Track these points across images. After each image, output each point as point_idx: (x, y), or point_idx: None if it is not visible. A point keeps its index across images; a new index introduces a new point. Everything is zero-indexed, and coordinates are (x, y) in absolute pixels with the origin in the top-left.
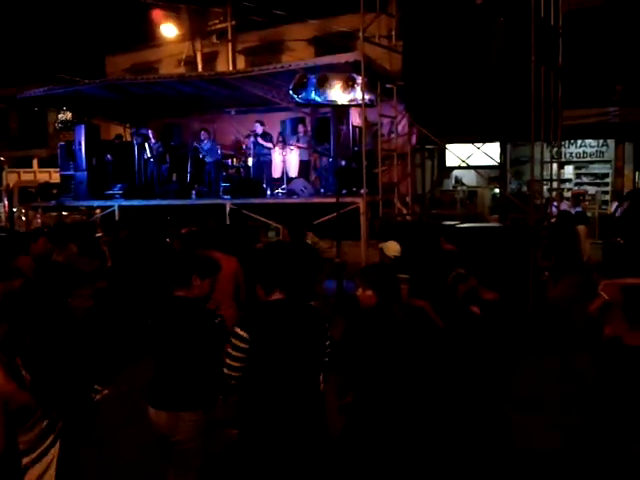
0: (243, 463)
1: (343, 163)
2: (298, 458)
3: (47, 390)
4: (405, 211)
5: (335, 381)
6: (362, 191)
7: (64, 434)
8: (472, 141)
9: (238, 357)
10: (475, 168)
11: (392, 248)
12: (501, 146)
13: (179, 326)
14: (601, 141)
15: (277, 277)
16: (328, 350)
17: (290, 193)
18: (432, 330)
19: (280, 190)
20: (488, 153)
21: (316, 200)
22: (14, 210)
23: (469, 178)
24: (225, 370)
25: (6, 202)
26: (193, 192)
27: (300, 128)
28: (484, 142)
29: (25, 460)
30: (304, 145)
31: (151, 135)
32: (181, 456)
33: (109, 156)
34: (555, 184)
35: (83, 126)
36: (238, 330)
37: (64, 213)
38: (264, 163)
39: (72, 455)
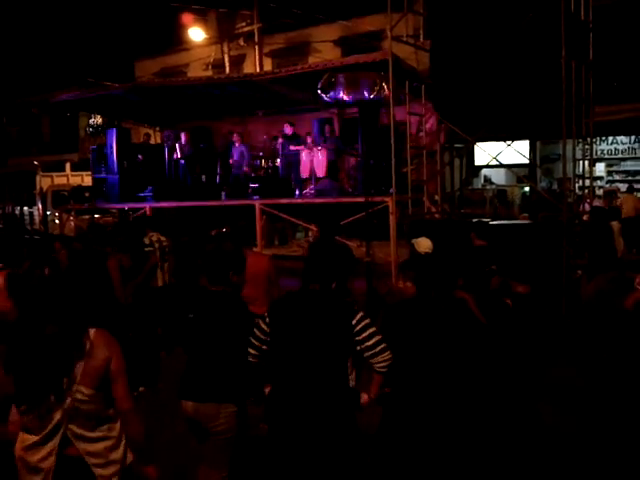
0: (269, 456)
1: (371, 162)
2: (319, 449)
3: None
4: (434, 210)
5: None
6: (391, 190)
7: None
8: (501, 139)
9: (258, 337)
10: (505, 167)
11: (424, 244)
12: (530, 144)
13: (220, 318)
14: (633, 137)
15: (313, 270)
16: (366, 345)
17: (318, 193)
18: (471, 322)
19: (308, 190)
20: (518, 151)
21: (345, 200)
22: (48, 213)
23: (498, 177)
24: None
25: (40, 205)
26: (222, 193)
27: (328, 128)
28: (513, 140)
29: (32, 439)
30: (332, 145)
31: (182, 137)
32: (218, 446)
33: (140, 156)
34: (587, 182)
35: (114, 130)
36: (265, 314)
37: (96, 216)
38: (292, 163)
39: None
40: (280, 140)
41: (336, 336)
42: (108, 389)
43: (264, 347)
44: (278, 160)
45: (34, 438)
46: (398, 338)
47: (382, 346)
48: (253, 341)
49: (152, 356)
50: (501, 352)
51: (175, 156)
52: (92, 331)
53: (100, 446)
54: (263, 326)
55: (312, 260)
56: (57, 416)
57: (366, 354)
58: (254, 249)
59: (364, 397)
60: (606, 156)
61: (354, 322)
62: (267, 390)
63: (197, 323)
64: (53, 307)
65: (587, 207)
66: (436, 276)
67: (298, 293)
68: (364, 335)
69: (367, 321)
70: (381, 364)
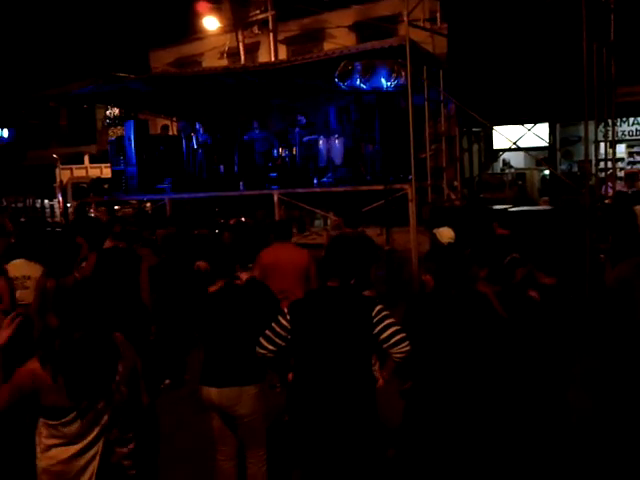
0: (293, 445)
1: (389, 149)
2: (340, 442)
3: (88, 385)
4: (453, 196)
5: (395, 366)
6: (410, 177)
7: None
8: (520, 122)
9: (278, 333)
10: (524, 150)
11: (446, 234)
12: (550, 126)
13: (235, 308)
14: None
15: (333, 266)
16: (383, 336)
17: (337, 182)
18: (490, 316)
19: (326, 179)
20: (537, 134)
21: (364, 188)
22: (68, 205)
23: (517, 160)
24: (259, 346)
25: (60, 198)
26: (241, 183)
27: (344, 116)
28: (533, 123)
29: (71, 450)
30: (349, 133)
31: (198, 126)
32: (248, 428)
33: (160, 148)
34: (609, 164)
35: (132, 122)
36: (285, 310)
37: (115, 207)
38: (309, 152)
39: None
40: (297, 129)
41: (356, 331)
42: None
43: (283, 343)
44: (295, 149)
45: (75, 448)
46: (418, 332)
47: (399, 337)
48: (272, 336)
49: (176, 350)
50: (524, 346)
51: (192, 147)
52: (115, 334)
53: (131, 446)
54: (284, 322)
55: (330, 257)
56: (103, 420)
57: (384, 345)
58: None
59: (379, 381)
60: (627, 137)
61: (373, 314)
62: (290, 377)
63: (210, 315)
64: (94, 311)
65: (609, 190)
66: (456, 268)
67: (317, 290)
68: (381, 326)
69: (385, 313)
70: (398, 354)
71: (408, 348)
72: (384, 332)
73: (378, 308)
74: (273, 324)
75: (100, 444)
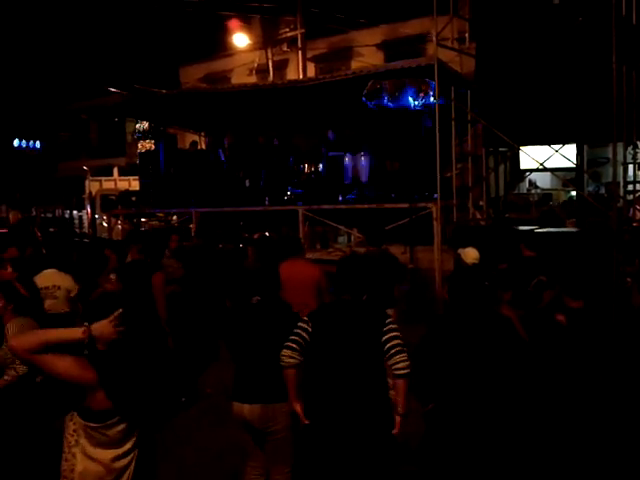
0: (306, 453)
1: (415, 167)
2: (353, 453)
3: (124, 395)
4: (479, 216)
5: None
6: (435, 195)
7: (142, 441)
8: (548, 143)
9: (303, 337)
10: (551, 171)
11: (471, 255)
12: (578, 147)
13: (266, 325)
14: None
15: (342, 284)
16: (387, 346)
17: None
18: (512, 340)
19: (351, 195)
20: (564, 155)
21: (388, 205)
22: (96, 217)
23: (543, 181)
24: (285, 348)
25: (89, 209)
26: (266, 198)
27: (371, 133)
28: (561, 144)
29: (112, 453)
30: (375, 150)
31: (225, 141)
32: (277, 445)
33: (188, 162)
34: (637, 186)
35: (162, 136)
36: (305, 318)
37: (143, 220)
38: (335, 169)
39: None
40: (323, 145)
41: (370, 342)
42: None
43: (301, 350)
44: (321, 165)
45: (116, 452)
46: (439, 353)
47: (399, 348)
48: (298, 340)
49: (193, 363)
50: (547, 370)
51: (219, 161)
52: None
53: None
54: (307, 327)
55: (338, 275)
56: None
57: (386, 356)
58: (304, 256)
59: (396, 418)
60: None
61: (385, 322)
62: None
63: (244, 331)
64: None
65: (637, 213)
66: (472, 289)
67: (332, 302)
68: (388, 336)
69: (393, 326)
70: (399, 364)
71: (407, 362)
72: (389, 342)
73: (389, 320)
74: (296, 330)
75: (137, 450)
